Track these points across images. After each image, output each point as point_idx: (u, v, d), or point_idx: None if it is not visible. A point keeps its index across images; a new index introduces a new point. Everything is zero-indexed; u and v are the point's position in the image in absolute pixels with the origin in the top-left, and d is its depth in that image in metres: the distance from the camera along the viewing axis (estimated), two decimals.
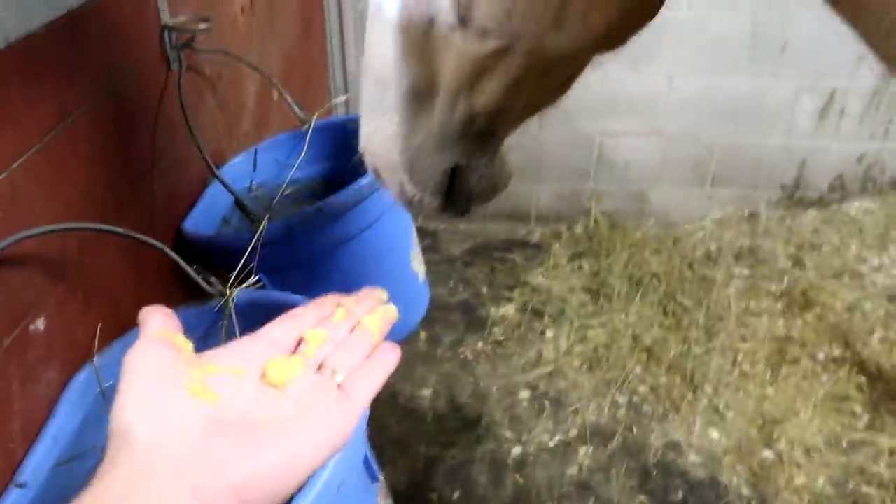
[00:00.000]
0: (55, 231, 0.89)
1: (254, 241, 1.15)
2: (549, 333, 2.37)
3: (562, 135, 3.06)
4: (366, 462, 1.04)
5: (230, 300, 1.04)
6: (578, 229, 2.96)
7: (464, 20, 0.64)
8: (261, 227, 1.15)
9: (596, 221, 2.97)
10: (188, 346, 0.53)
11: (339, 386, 0.54)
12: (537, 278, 2.63)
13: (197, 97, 1.49)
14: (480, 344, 2.36)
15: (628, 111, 3.00)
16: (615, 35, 0.67)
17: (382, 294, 0.64)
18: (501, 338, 2.38)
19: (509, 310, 2.50)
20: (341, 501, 0.83)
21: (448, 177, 0.79)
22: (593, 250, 2.78)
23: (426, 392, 2.19)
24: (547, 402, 2.13)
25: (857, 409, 2.08)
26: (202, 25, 1.25)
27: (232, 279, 1.08)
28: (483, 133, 0.76)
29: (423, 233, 3.05)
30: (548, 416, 2.09)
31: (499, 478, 1.92)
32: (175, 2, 1.33)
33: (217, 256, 1.27)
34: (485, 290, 2.64)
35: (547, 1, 0.60)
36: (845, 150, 3.08)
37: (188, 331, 1.01)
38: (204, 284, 1.03)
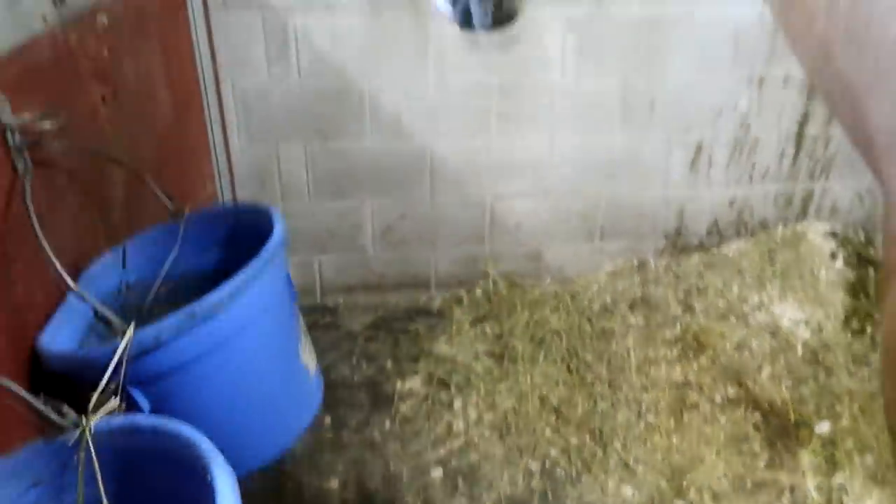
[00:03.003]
0: None
1: (117, 355, 1.04)
2: (457, 404, 2.33)
3: (454, 200, 3.09)
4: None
5: (87, 431, 0.93)
6: (478, 293, 2.96)
7: None
8: (124, 340, 1.05)
9: (494, 283, 2.99)
10: None
11: None
12: (442, 347, 2.59)
13: (54, 196, 1.38)
14: (388, 423, 2.27)
15: (515, 173, 3.08)
16: None
17: None
18: (409, 414, 2.30)
19: (415, 383, 2.44)
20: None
21: None
22: (494, 313, 2.78)
23: (334, 483, 2.07)
24: (460, 479, 2.06)
25: (756, 448, 2.15)
26: (48, 124, 1.16)
27: (92, 404, 0.97)
28: None
29: (322, 310, 2.96)
30: (462, 493, 2.01)
31: None
32: (19, 98, 1.23)
33: (77, 376, 1.14)
34: (389, 364, 2.57)
35: None
36: (717, 196, 3.29)
37: (36, 472, 0.90)
38: (53, 416, 0.91)
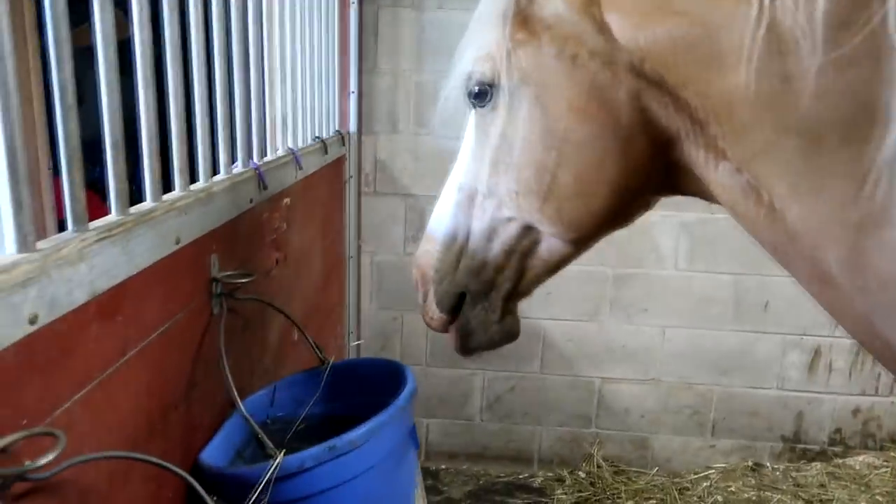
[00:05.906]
0: (98, 459, 0.99)
1: (267, 475, 1.22)
2: None
3: (563, 379, 3.19)
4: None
5: None
6: (581, 475, 2.94)
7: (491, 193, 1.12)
8: (275, 463, 1.23)
9: (598, 467, 2.97)
10: None
11: None
12: None
13: (228, 337, 1.66)
14: None
15: (626, 359, 3.16)
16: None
17: None
18: None
19: None
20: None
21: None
22: (597, 497, 2.74)
23: None
24: None
25: None
26: (245, 279, 1.46)
27: None
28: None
29: (425, 473, 3.03)
30: None
31: None
32: (224, 258, 1.56)
33: (227, 490, 1.33)
34: None
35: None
36: (839, 403, 3.17)
37: None
38: None
